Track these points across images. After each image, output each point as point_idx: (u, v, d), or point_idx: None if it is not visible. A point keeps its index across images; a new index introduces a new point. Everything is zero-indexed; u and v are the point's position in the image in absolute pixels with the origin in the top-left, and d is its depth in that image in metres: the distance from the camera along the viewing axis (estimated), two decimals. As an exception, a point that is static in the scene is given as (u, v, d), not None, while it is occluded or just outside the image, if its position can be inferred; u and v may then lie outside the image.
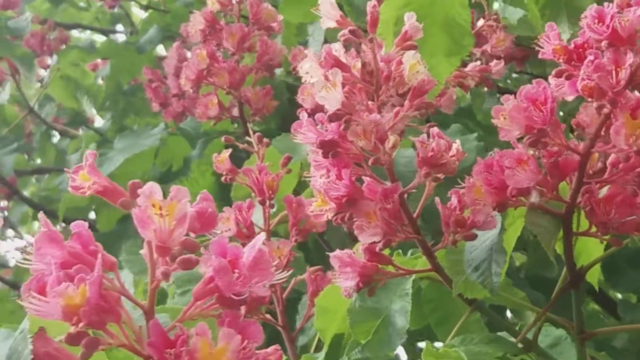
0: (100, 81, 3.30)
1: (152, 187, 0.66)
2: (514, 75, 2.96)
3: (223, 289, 0.66)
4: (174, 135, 2.45)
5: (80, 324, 0.65)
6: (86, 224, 0.72)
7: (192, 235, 0.70)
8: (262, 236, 0.70)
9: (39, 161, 3.57)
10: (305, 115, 1.12)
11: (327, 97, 1.05)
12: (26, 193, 3.58)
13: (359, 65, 1.10)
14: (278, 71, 2.31)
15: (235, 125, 2.36)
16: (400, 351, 2.57)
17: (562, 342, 1.30)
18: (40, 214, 0.70)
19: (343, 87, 1.06)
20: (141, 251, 0.70)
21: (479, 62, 1.73)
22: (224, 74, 2.10)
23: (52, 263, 0.68)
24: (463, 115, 2.53)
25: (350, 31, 1.08)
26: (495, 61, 1.71)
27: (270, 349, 0.73)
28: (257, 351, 0.70)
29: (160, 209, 0.65)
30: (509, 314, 2.23)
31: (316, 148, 1.08)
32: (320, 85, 1.06)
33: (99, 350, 0.66)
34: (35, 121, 3.24)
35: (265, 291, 0.69)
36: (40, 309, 0.66)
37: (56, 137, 3.52)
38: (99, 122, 3.57)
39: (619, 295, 2.71)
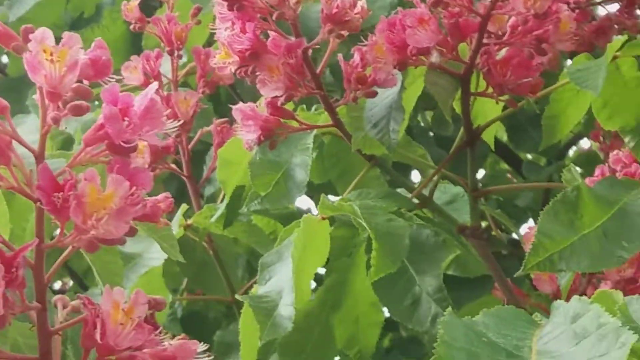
0: None
1: (44, 33, 0.66)
2: None
3: (113, 136, 0.67)
4: (86, -20, 2.41)
5: (-33, 166, 0.66)
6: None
7: (86, 82, 0.71)
8: (155, 85, 0.70)
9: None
10: (212, -34, 1.12)
11: (232, -49, 1.05)
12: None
13: None
14: None
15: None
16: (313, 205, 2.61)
17: (459, 199, 1.33)
18: None
19: (247, -60, 1.05)
20: (34, 96, 0.71)
21: None
22: None
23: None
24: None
25: None
26: None
27: (160, 196, 0.75)
28: (146, 198, 0.71)
29: (51, 54, 0.65)
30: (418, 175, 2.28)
31: (221, 0, 1.08)
32: (225, -62, 1.05)
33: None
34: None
35: (156, 140, 0.70)
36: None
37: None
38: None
39: (529, 156, 2.77)
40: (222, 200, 1.54)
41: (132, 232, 0.69)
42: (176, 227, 1.39)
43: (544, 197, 2.58)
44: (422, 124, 2.46)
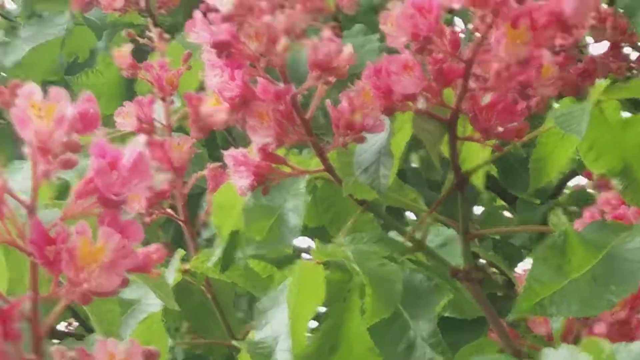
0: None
1: (31, 88, 0.67)
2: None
3: (102, 189, 0.69)
4: (80, 25, 2.43)
5: (-39, 221, 0.67)
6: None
7: (76, 135, 0.72)
8: (142, 138, 0.72)
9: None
10: (199, 13, 1.13)
11: (220, -1, 1.07)
12: None
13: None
14: (185, -38, 2.30)
15: (142, 17, 2.35)
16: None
17: (452, 242, 1.35)
18: None
19: (237, -12, 1.07)
20: (24, 150, 0.72)
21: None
22: (129, -36, 2.09)
23: None
24: (372, 13, 2.54)
25: None
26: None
27: (152, 247, 0.76)
28: (138, 249, 0.73)
29: (40, 109, 0.67)
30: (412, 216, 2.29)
31: (210, 48, 1.10)
32: (213, -15, 1.07)
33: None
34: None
35: (146, 192, 0.72)
36: None
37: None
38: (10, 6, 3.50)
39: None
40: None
41: (124, 284, 0.70)
42: (174, 272, 1.41)
43: (539, 236, 2.60)
44: (415, 166, 2.48)
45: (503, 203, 2.93)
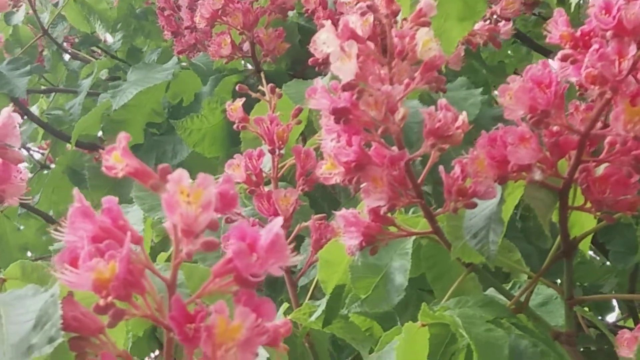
0: (112, -1, 3.33)
1: (181, 174, 0.70)
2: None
3: (242, 270, 0.71)
4: (186, 69, 2.49)
5: (109, 297, 0.70)
6: (116, 199, 0.77)
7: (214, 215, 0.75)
8: (280, 220, 0.74)
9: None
10: (320, 80, 1.17)
11: (342, 68, 1.10)
12: (35, 109, 3.63)
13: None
14: (290, 13, 2.34)
15: (246, 64, 2.41)
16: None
17: (552, 302, 1.36)
18: (75, 190, 0.76)
19: (357, 58, 1.10)
20: (165, 225, 0.75)
21: (487, 22, 1.77)
22: (238, 14, 2.15)
23: (84, 237, 0.74)
24: (469, 56, 2.55)
25: (367, 5, 1.12)
26: (503, 22, 1.75)
27: (280, 322, 0.79)
28: (267, 324, 0.75)
29: (188, 195, 0.70)
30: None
31: (329, 114, 1.13)
32: (336, 57, 1.10)
33: (124, 320, 0.72)
34: (48, 42, 3.27)
35: (280, 272, 0.74)
36: (72, 280, 0.71)
37: (66, 57, 3.55)
38: (109, 40, 3.60)
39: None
40: (313, 291, 1.59)
41: (255, 357, 0.73)
42: (277, 324, 1.43)
43: (630, 284, 2.58)
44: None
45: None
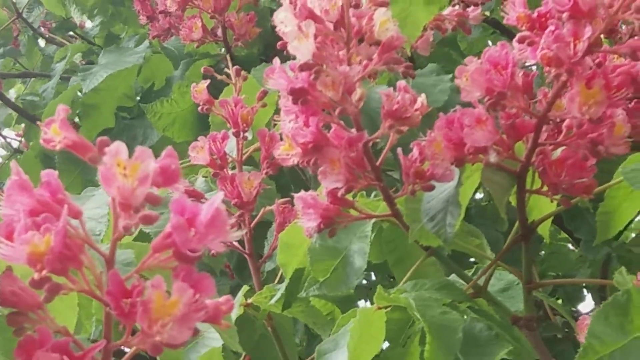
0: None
1: (118, 147, 0.70)
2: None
3: (180, 245, 0.71)
4: (158, 53, 2.48)
5: (44, 271, 0.70)
6: (56, 172, 0.76)
7: (156, 189, 0.75)
8: (221, 195, 0.74)
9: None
10: (278, 60, 1.16)
11: (300, 48, 1.09)
12: (12, 94, 3.62)
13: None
14: (262, -2, 2.34)
15: (218, 48, 2.40)
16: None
17: (514, 287, 1.36)
18: (12, 163, 0.75)
19: (315, 38, 1.10)
20: (105, 201, 0.75)
21: (457, 7, 1.77)
22: (210, -3, 2.14)
23: (21, 210, 0.73)
24: (446, 45, 2.55)
25: (324, -16, 1.11)
26: (472, 7, 1.74)
27: (222, 299, 0.78)
28: (208, 301, 0.75)
29: (125, 168, 0.69)
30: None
31: (287, 94, 1.12)
32: (294, 36, 1.10)
33: (61, 294, 0.71)
34: (23, 26, 3.25)
35: (220, 246, 0.73)
36: (7, 254, 0.70)
37: (43, 42, 3.54)
38: (88, 26, 3.58)
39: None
40: (279, 280, 1.58)
41: (194, 335, 0.72)
42: (237, 306, 1.43)
43: (601, 273, 2.58)
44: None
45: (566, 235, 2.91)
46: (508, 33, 2.89)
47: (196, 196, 1.52)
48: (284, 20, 1.12)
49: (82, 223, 0.74)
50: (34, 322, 0.75)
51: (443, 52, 2.35)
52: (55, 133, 0.75)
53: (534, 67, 1.88)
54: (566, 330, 2.28)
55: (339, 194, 1.16)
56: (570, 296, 2.95)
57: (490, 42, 3.40)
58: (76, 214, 0.74)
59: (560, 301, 2.84)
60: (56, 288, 0.71)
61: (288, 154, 1.16)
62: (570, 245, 3.03)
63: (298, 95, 1.11)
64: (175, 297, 0.70)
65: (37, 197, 0.74)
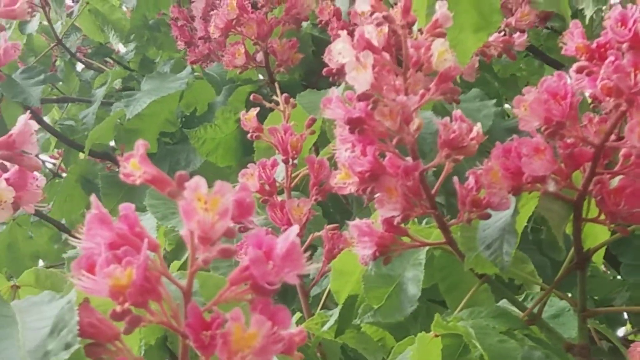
0: (124, 9, 3.33)
1: (198, 182, 0.71)
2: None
3: (258, 278, 0.72)
4: (200, 79, 2.50)
5: (126, 304, 0.71)
6: (133, 206, 0.77)
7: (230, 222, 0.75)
8: (296, 228, 0.75)
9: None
10: (335, 90, 1.17)
11: (358, 78, 1.11)
12: (47, 118, 3.65)
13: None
14: (304, 24, 2.35)
15: (260, 75, 2.42)
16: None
17: (565, 314, 1.36)
18: (93, 197, 0.76)
19: (373, 68, 1.11)
20: (181, 232, 0.75)
21: (502, 34, 1.77)
22: (252, 24, 2.16)
23: (101, 243, 0.74)
24: (481, 68, 2.54)
25: (383, 16, 1.12)
26: (518, 33, 1.75)
27: (295, 331, 0.79)
28: (283, 333, 0.75)
29: (205, 202, 0.70)
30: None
31: (343, 124, 1.13)
32: (352, 67, 1.11)
33: (141, 326, 0.72)
34: (61, 52, 3.29)
35: (296, 279, 0.74)
36: (89, 287, 0.72)
37: (79, 67, 3.57)
38: (122, 51, 3.62)
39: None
40: (325, 300, 1.59)
41: (270, 366, 0.73)
42: (289, 335, 1.43)
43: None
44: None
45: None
46: (541, 55, 2.90)
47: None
48: (341, 52, 1.13)
49: (159, 255, 0.75)
50: (111, 354, 0.76)
51: (479, 76, 2.35)
52: (134, 168, 0.76)
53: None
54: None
55: (395, 222, 1.17)
56: (609, 319, 2.93)
57: (522, 65, 3.41)
58: (154, 247, 0.75)
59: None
60: (137, 320, 0.72)
61: (345, 182, 1.17)
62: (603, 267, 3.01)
63: (356, 124, 1.12)
64: (254, 329, 0.70)
65: (116, 230, 0.75)
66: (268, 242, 0.73)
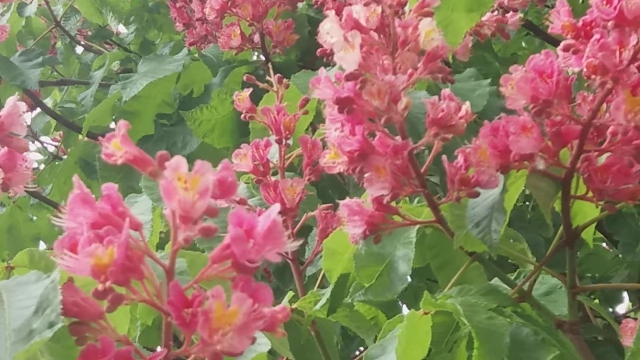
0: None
1: (179, 161, 0.71)
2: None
3: (238, 256, 0.72)
4: (196, 61, 2.50)
5: (107, 282, 0.71)
6: (116, 185, 0.78)
7: (213, 201, 0.76)
8: (277, 207, 0.75)
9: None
10: (324, 71, 1.17)
11: (346, 58, 1.11)
12: (48, 101, 3.65)
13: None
14: (300, 5, 2.35)
15: (256, 55, 2.42)
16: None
17: (556, 291, 1.37)
18: (75, 177, 0.77)
19: (361, 48, 1.11)
20: (164, 212, 0.76)
21: (495, 13, 1.77)
22: (248, 5, 2.16)
23: (83, 223, 0.75)
24: (481, 47, 2.54)
25: (371, -6, 1.13)
26: (511, 13, 1.75)
27: (278, 308, 0.80)
28: (264, 310, 0.76)
29: (185, 182, 0.71)
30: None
31: (332, 104, 1.14)
32: (340, 46, 1.11)
33: (123, 304, 0.73)
34: (60, 34, 3.29)
35: (277, 257, 0.75)
36: (71, 266, 0.72)
37: (79, 49, 3.57)
38: (122, 32, 3.61)
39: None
40: (321, 280, 1.59)
41: (252, 342, 0.74)
42: (282, 312, 1.44)
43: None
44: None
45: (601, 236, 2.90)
46: (542, 34, 2.89)
47: (239, 203, 1.53)
48: (330, 31, 1.13)
49: (142, 234, 0.76)
50: (95, 332, 0.77)
51: (478, 55, 2.34)
52: (116, 148, 0.76)
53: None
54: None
55: (385, 201, 1.17)
56: (608, 297, 2.95)
57: (524, 44, 3.40)
58: (136, 226, 0.76)
59: (597, 302, 2.84)
60: (119, 298, 0.72)
61: (334, 162, 1.17)
62: (604, 245, 3.02)
63: (344, 104, 1.12)
64: (235, 306, 0.71)
65: (98, 210, 0.76)
66: (249, 221, 0.74)
